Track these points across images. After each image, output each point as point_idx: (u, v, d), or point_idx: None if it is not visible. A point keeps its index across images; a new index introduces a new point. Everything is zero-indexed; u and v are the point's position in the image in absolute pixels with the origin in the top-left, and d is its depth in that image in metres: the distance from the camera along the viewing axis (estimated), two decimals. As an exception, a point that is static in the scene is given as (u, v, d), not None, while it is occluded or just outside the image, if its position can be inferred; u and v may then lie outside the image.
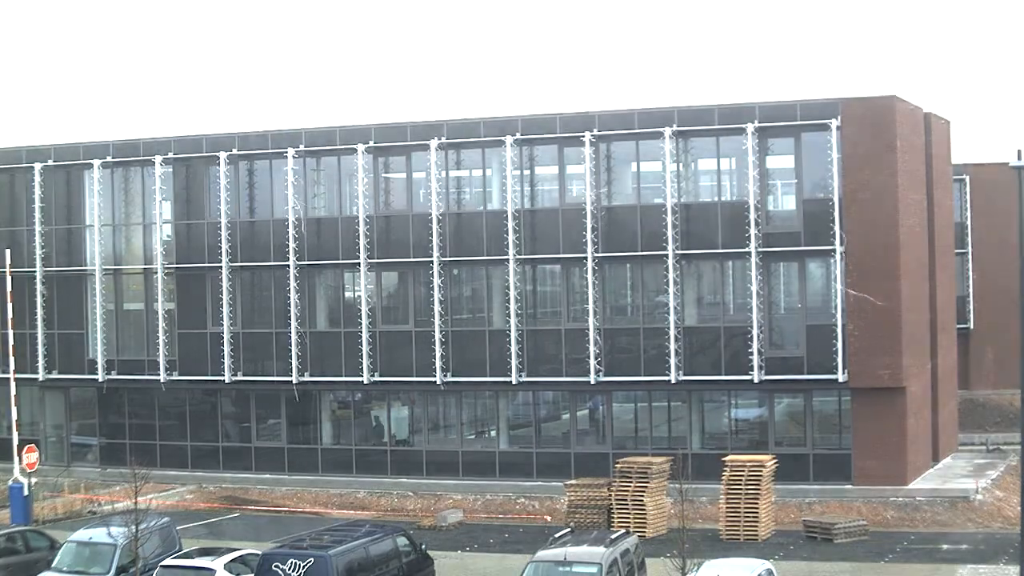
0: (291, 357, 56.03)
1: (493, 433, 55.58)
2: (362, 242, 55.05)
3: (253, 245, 57.18)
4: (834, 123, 49.71)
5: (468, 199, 56.15)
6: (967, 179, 72.85)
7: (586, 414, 55.28)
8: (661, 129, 51.66)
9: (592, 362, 52.22)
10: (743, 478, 44.62)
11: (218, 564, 34.97)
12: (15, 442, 50.94)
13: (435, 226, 54.08)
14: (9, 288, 55.19)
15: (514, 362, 53.13)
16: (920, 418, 52.61)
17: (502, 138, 53.54)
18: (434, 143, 54.20)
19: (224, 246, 56.95)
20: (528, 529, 47.25)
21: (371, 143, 55.22)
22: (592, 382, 52.45)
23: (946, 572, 39.92)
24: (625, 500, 45.70)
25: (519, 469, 54.13)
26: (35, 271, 60.11)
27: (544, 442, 54.95)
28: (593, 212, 52.38)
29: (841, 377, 49.79)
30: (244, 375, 57.21)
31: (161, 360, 58.00)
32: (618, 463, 47.24)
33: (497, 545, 44.98)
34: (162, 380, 58.04)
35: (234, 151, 57.18)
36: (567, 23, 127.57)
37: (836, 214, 49.72)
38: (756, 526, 44.33)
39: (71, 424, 61.66)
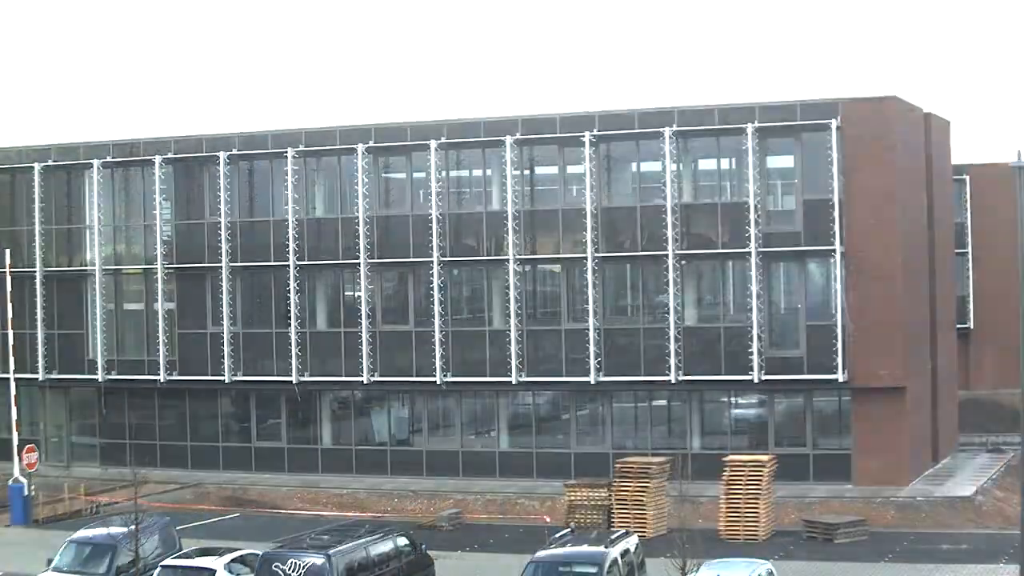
0: (291, 357, 56.01)
1: (493, 433, 55.56)
2: (362, 242, 55.03)
3: (253, 245, 57.15)
4: (834, 123, 49.68)
5: (468, 199, 56.13)
6: (967, 179, 72.86)
7: (586, 414, 55.25)
8: (661, 129, 51.63)
9: (592, 362, 52.21)
10: (743, 478, 44.58)
11: (218, 564, 34.96)
12: (15, 442, 50.92)
13: (435, 226, 54.05)
14: (9, 288, 55.17)
15: (514, 362, 53.10)
16: (920, 418, 52.61)
17: (502, 138, 53.51)
18: (434, 143, 54.18)
19: (224, 246, 56.93)
20: (528, 529, 47.12)
21: (371, 143, 55.19)
22: (592, 382, 52.46)
23: (946, 572, 39.85)
24: (625, 500, 45.65)
25: (519, 469, 54.13)
26: (35, 271, 60.07)
27: (544, 442, 54.95)
28: (593, 212, 52.36)
29: (841, 377, 49.79)
30: (244, 375, 57.19)
31: (161, 360, 57.98)
32: (618, 463, 47.17)
33: (497, 545, 44.93)
34: (162, 380, 58.05)
35: (234, 151, 57.16)
36: (567, 23, 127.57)
37: (836, 214, 49.70)
38: (756, 526, 44.30)
39: (71, 424, 61.64)
